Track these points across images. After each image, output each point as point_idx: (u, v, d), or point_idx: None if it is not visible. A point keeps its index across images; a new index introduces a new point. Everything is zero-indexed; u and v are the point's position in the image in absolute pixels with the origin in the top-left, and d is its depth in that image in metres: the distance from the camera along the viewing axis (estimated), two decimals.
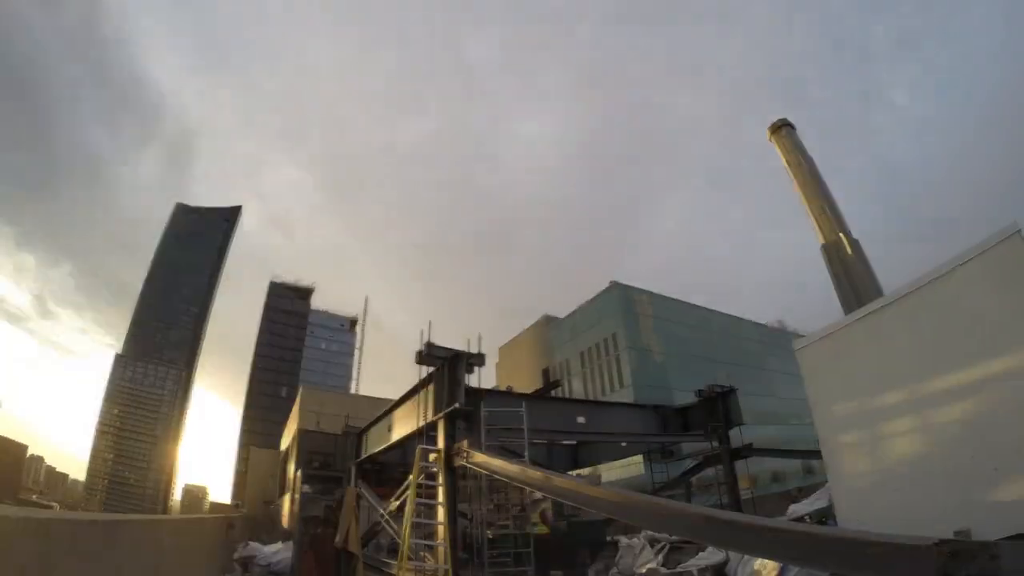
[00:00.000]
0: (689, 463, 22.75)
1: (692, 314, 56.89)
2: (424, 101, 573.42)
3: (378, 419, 20.88)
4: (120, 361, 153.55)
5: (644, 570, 10.41)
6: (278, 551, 16.57)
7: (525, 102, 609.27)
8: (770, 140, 70.72)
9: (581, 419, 18.62)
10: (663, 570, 10.11)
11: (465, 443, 13.27)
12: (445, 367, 14.95)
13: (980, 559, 3.07)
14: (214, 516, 15.50)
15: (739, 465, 20.61)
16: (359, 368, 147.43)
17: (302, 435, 38.05)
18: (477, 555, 15.52)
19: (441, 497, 12.22)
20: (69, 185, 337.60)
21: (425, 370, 15.85)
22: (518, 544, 15.23)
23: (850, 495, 8.26)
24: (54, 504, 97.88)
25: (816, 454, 10.50)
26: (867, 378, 8.10)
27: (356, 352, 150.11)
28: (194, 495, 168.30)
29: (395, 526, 16.54)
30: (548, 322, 65.65)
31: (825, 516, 10.39)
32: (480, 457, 12.57)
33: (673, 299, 57.25)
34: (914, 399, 7.34)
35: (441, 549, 11.26)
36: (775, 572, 7.91)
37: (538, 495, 17.24)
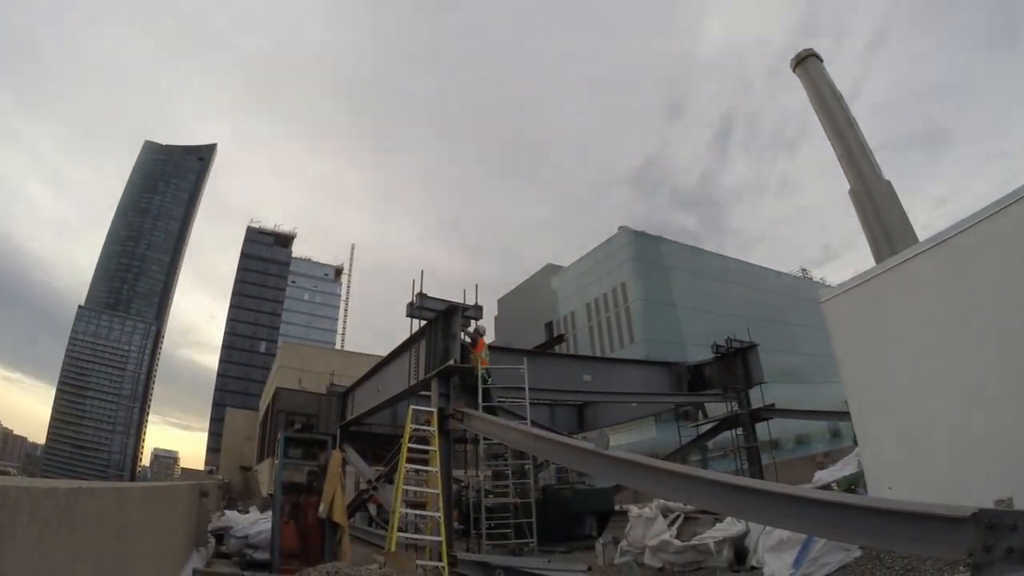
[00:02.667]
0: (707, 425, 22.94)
1: (709, 262, 56.76)
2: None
3: (365, 377, 21.00)
4: (83, 314, 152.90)
5: (656, 542, 10.57)
6: (256, 521, 16.77)
7: None
8: (795, 72, 69.37)
9: (587, 377, 18.75)
10: (677, 542, 10.27)
11: (461, 404, 13.37)
12: (438, 320, 14.94)
13: (1022, 530, 3.09)
14: (186, 483, 15.62)
15: (760, 428, 20.84)
16: (346, 321, 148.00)
17: (280, 394, 38.52)
18: (474, 526, 15.76)
19: (435, 463, 12.27)
20: None
21: (417, 324, 15.84)
22: (518, 514, 15.40)
23: (881, 460, 8.32)
24: (11, 469, 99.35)
25: (844, 415, 10.58)
26: (900, 333, 8.05)
27: (342, 304, 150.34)
28: (164, 461, 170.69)
29: (384, 495, 16.76)
30: (551, 271, 65.55)
31: (854, 484, 10.50)
32: (477, 419, 12.66)
33: (688, 246, 57.14)
34: (951, 356, 7.29)
35: (434, 520, 11.38)
36: (799, 545, 8.02)
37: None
